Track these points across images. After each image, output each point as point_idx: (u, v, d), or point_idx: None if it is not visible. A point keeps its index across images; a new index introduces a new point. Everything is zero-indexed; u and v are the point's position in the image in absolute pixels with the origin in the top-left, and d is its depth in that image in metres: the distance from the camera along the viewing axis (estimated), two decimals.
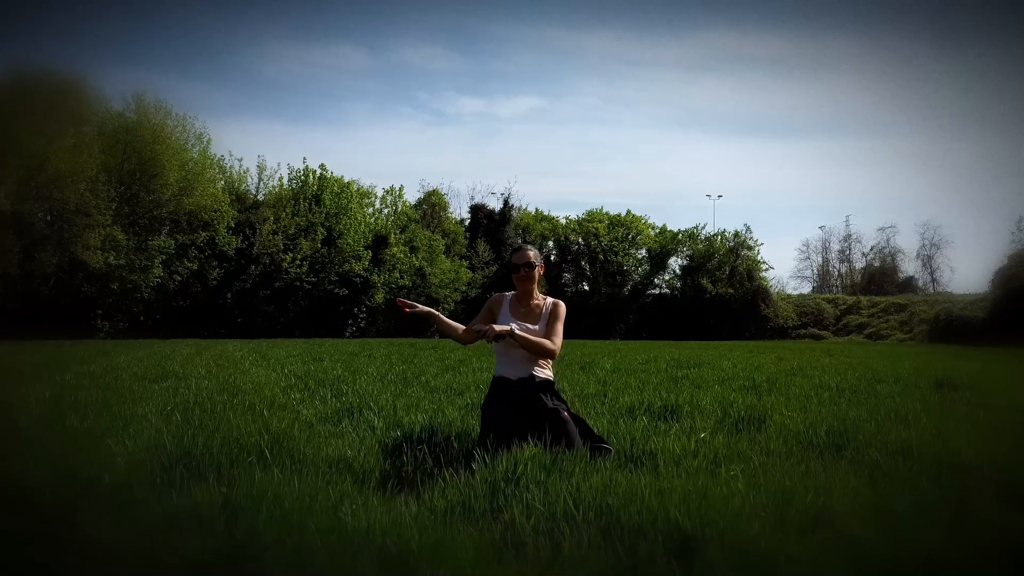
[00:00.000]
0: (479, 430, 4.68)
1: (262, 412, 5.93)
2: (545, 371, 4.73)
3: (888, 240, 70.38)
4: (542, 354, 4.65)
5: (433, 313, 4.84)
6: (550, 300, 4.84)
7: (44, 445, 4.51)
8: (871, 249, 71.33)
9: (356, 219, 40.52)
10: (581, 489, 3.31)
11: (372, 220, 42.99)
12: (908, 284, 64.61)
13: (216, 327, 33.80)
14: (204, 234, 34.37)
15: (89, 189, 30.11)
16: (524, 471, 3.60)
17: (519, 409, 4.50)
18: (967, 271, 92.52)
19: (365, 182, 44.07)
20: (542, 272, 4.88)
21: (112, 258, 30.70)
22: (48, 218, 31.37)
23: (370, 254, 40.52)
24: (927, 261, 68.20)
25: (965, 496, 3.35)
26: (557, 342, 4.64)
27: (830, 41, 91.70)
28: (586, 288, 51.63)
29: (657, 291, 52.84)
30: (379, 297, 40.76)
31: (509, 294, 4.92)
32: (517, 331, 4.53)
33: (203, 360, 13.22)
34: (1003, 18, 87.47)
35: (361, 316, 40.34)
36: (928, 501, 3.28)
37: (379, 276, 40.77)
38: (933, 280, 66.75)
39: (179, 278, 33.77)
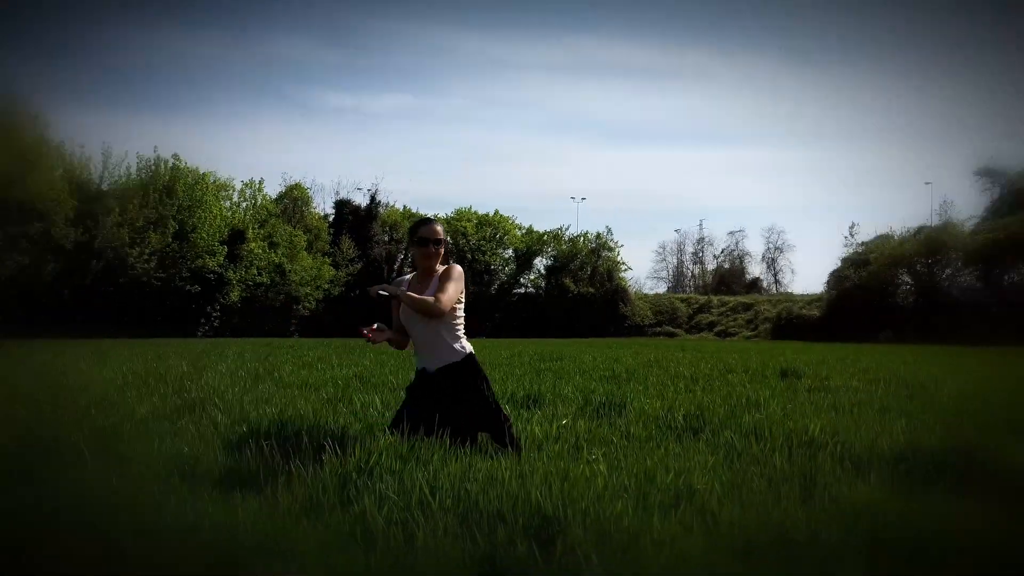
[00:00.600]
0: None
1: (88, 409, 5.35)
2: (456, 345, 4.29)
3: (737, 243, 75.02)
4: (427, 313, 4.22)
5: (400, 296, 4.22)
6: (444, 266, 4.43)
7: None
8: (722, 252, 75.76)
9: (212, 212, 38.40)
10: (439, 477, 3.12)
11: (229, 214, 40.91)
12: (754, 285, 69.09)
13: (51, 327, 30.91)
14: (38, 225, 31.42)
15: None
16: (379, 461, 3.37)
17: (442, 402, 4.12)
18: (806, 273, 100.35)
19: (223, 174, 41.82)
20: (445, 250, 4.44)
21: None
22: None
23: (226, 249, 38.53)
24: (771, 263, 73.26)
25: (813, 470, 3.44)
26: (442, 298, 4.16)
27: (691, 54, 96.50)
28: None
29: (523, 290, 53.67)
30: (235, 295, 38.84)
31: (407, 277, 4.50)
32: (400, 291, 4.15)
33: (33, 361, 11.98)
34: (837, 36, 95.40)
35: (215, 315, 38.27)
36: (781, 476, 3.35)
37: (235, 273, 38.85)
38: (776, 281, 71.76)
39: (7, 273, 30.65)
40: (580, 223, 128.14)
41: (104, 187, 36.13)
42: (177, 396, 6.55)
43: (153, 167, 37.79)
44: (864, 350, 20.93)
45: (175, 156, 38.53)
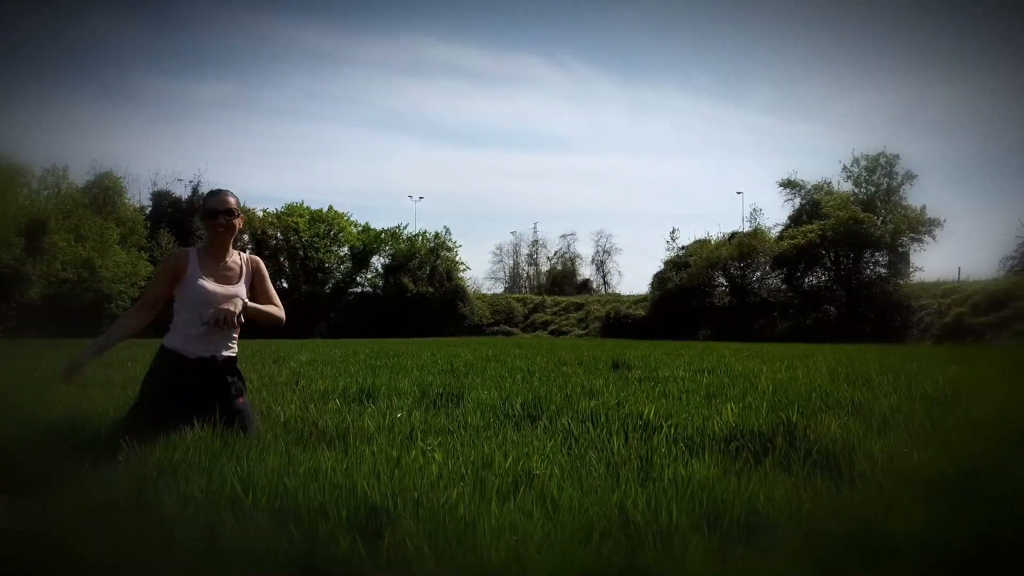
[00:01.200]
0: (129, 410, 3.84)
1: None
2: (234, 347, 3.97)
3: (569, 246, 77.55)
4: (276, 325, 3.97)
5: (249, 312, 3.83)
6: (246, 256, 4.08)
7: None
8: (555, 253, 78.00)
9: (5, 201, 34.33)
10: (254, 472, 2.79)
11: (26, 203, 36.78)
12: (585, 286, 71.76)
13: None
14: None
15: None
16: (185, 457, 2.98)
17: (196, 397, 3.73)
18: (633, 275, 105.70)
19: (19, 159, 37.53)
20: (241, 224, 4.07)
21: None
22: None
23: (23, 242, 34.62)
24: (600, 265, 76.32)
25: (650, 452, 3.43)
26: (281, 308, 4.01)
27: (524, 60, 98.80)
28: (285, 285, 49.46)
29: (360, 289, 52.44)
30: (35, 292, 34.98)
31: (193, 249, 3.99)
32: (248, 304, 3.79)
33: None
34: (661, 57, 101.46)
35: (11, 314, 34.26)
36: (619, 459, 3.30)
37: (35, 267, 35.00)
38: (605, 283, 74.85)
39: None
40: (418, 222, 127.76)
41: None
42: None
43: None
44: (686, 345, 22.19)
45: None
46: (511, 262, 78.97)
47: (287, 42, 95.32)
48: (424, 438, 3.74)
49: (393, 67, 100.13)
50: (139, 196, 48.23)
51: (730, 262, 42.14)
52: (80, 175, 43.60)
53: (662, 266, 46.70)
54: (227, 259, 3.95)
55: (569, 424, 4.31)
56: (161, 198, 47.72)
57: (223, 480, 2.68)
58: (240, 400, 3.91)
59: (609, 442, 3.73)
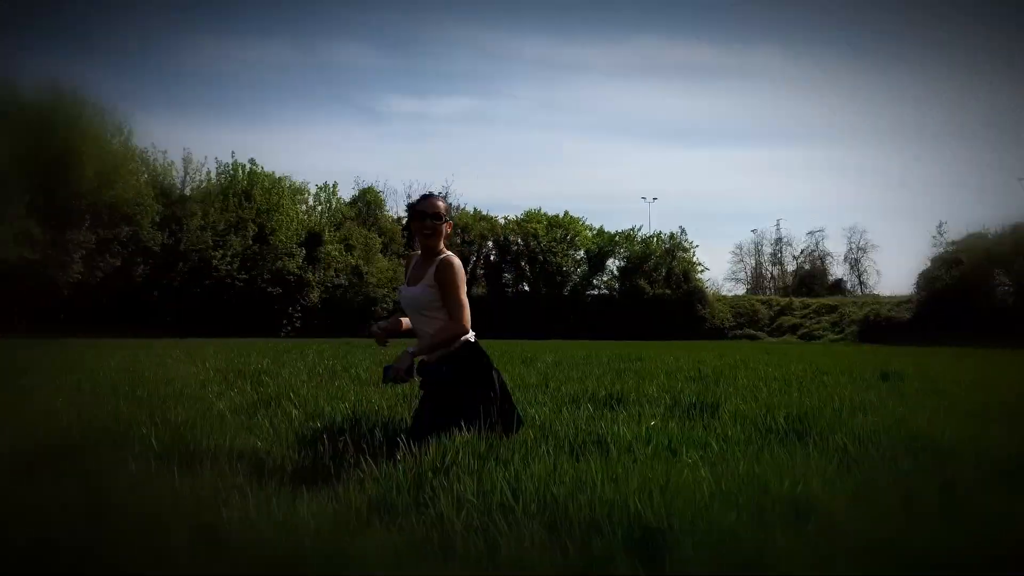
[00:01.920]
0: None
1: (166, 402, 5.27)
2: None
3: (817, 244, 72.30)
4: (453, 341, 3.86)
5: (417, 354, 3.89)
6: (441, 257, 3.93)
7: None
8: (801, 252, 73.16)
9: (289, 216, 39.26)
10: (521, 478, 2.81)
11: (305, 217, 41.75)
12: (837, 286, 66.38)
13: (142, 326, 32.12)
14: (127, 229, 32.71)
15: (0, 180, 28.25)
16: (455, 459, 3.09)
17: (435, 398, 3.89)
18: (892, 274, 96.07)
19: (297, 178, 42.79)
20: (449, 230, 4.06)
21: (27, 252, 28.84)
22: None
23: (304, 252, 39.32)
24: (854, 264, 70.27)
25: (952, 479, 2.98)
26: (459, 316, 3.81)
27: (760, 52, 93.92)
28: (526, 288, 51.38)
29: (596, 292, 52.93)
30: (314, 296, 39.55)
31: (418, 253, 4.10)
32: (411, 350, 3.75)
33: (118, 356, 12.27)
34: (924, 33, 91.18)
35: (296, 316, 39.06)
36: (916, 487, 2.90)
37: (314, 274, 39.58)
38: (860, 283, 68.80)
39: (100, 274, 31.99)
40: (652, 223, 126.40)
41: (186, 192, 37.33)
42: (254, 391, 6.47)
43: (231, 172, 38.91)
44: (965, 352, 19.64)
45: (251, 161, 39.60)
46: (752, 262, 75.39)
47: (519, 55, 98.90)
48: (684, 450, 3.58)
49: (623, 71, 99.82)
50: (396, 207, 52.71)
51: (1015, 258, 36.68)
52: (346, 190, 48.78)
53: (928, 264, 41.89)
54: (433, 259, 3.95)
55: (844, 443, 3.90)
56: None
57: (493, 485, 2.73)
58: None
59: (896, 465, 3.32)
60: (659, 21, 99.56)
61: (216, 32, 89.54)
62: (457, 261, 3.91)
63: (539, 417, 4.56)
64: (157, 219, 33.81)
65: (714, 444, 3.76)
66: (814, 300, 52.98)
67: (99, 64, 71.41)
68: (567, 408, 5.03)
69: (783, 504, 2.53)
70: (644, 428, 4.19)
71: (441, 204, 4.00)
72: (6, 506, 2.64)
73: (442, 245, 4.01)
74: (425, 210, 3.94)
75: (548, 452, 3.32)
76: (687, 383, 7.33)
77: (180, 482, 2.86)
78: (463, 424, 3.61)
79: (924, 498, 2.75)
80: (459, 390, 3.80)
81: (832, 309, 48.84)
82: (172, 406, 5.08)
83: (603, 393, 5.94)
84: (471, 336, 3.96)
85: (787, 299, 54.62)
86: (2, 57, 41.85)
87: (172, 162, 37.50)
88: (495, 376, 3.93)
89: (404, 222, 50.41)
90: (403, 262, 3.79)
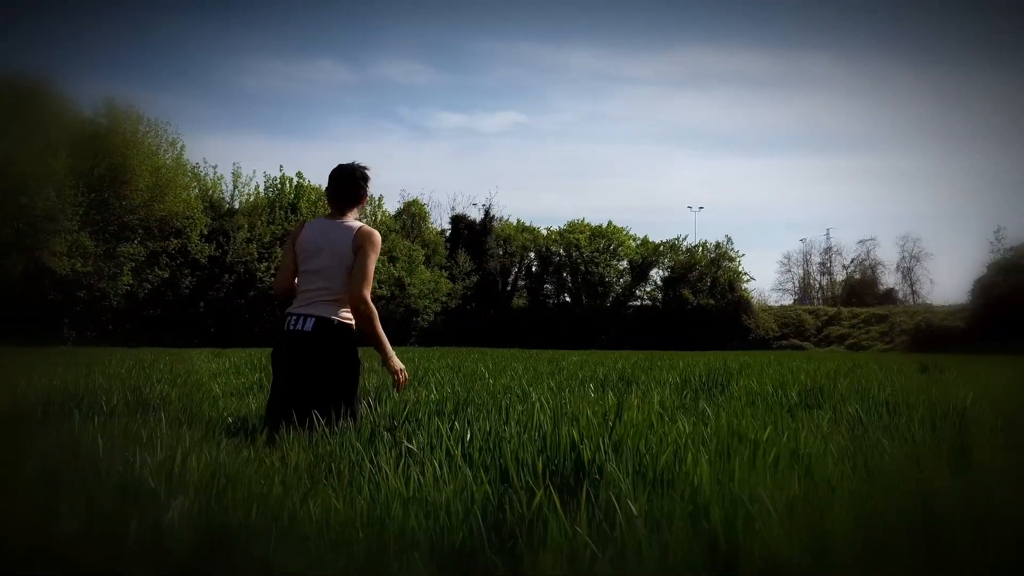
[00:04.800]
0: None
1: (175, 381, 5.33)
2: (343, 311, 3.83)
3: (868, 252, 70.40)
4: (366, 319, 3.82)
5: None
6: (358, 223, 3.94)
7: None
8: (851, 261, 71.34)
9: None
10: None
11: None
12: (888, 296, 64.45)
13: (189, 336, 32.85)
14: (176, 241, 33.56)
15: (56, 194, 29.26)
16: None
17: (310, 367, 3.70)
18: (946, 283, 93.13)
19: None
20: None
21: (79, 265, 29.78)
22: (15, 224, 30.43)
23: None
24: (907, 273, 68.22)
25: (967, 443, 2.78)
26: (361, 284, 3.74)
27: (808, 59, 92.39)
28: (568, 300, 51.13)
29: (639, 302, 52.37)
30: None
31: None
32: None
33: (160, 357, 12.54)
34: (976, 35, 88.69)
35: None
36: (922, 451, 2.72)
37: None
38: (913, 292, 66.74)
39: (149, 286, 32.86)
40: (698, 233, 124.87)
41: (235, 205, 38.17)
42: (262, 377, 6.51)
43: (279, 185, 39.65)
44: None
45: (299, 174, 40.30)
46: (800, 272, 73.82)
47: (563, 68, 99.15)
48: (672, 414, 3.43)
49: (668, 81, 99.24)
50: (440, 220, 53.05)
51: None
52: (391, 203, 49.31)
53: (985, 271, 40.39)
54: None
55: (858, 411, 3.71)
56: (458, 221, 51.98)
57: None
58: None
59: (908, 430, 3.12)
60: (705, 30, 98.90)
61: (268, 51, 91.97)
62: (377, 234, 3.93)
63: (534, 393, 4.46)
64: (205, 232, 34.60)
65: (709, 410, 3.60)
66: (863, 310, 51.54)
67: (155, 82, 73.89)
68: (570, 388, 4.91)
69: (750, 445, 2.36)
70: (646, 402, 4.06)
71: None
72: None
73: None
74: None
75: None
76: (704, 368, 7.13)
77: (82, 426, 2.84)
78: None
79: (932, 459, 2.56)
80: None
81: (882, 319, 47.43)
82: (155, 381, 5.11)
83: (614, 377, 5.80)
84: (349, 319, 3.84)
85: (835, 309, 53.25)
86: (62, 74, 43.50)
87: (221, 175, 38.47)
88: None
89: (447, 234, 50.79)
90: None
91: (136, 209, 32.07)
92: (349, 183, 3.81)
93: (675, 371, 7.09)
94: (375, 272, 4.03)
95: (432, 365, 9.04)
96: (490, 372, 7.24)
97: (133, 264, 31.74)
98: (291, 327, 3.64)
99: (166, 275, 33.17)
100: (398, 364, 3.64)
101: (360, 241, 3.65)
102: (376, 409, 3.55)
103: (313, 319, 3.56)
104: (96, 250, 30.52)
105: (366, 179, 3.86)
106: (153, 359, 11.58)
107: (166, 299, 33.67)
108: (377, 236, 3.81)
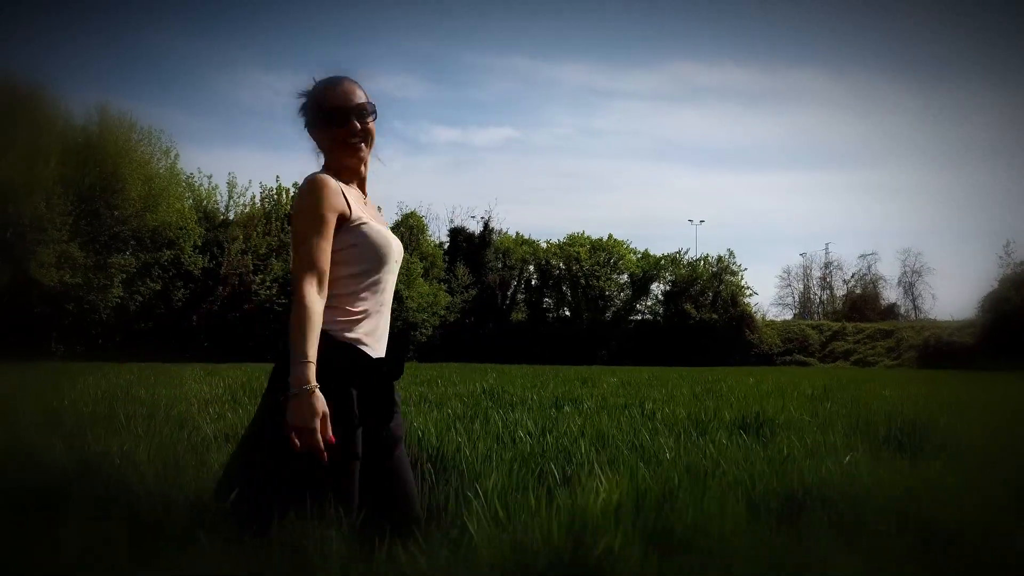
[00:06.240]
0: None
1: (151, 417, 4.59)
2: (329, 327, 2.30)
3: (869, 267, 69.75)
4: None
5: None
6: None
7: None
8: (852, 276, 70.69)
9: None
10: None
11: None
12: (890, 311, 63.79)
13: (181, 350, 32.00)
14: (169, 252, 32.81)
15: (45, 203, 28.51)
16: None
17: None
18: (948, 298, 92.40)
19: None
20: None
21: (68, 276, 28.99)
22: (2, 234, 29.67)
23: None
24: (908, 288, 67.53)
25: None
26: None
27: (807, 72, 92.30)
28: (568, 313, 50.41)
29: (640, 316, 51.65)
30: None
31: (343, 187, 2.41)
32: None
33: (144, 376, 11.80)
34: (978, 47, 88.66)
35: None
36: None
37: None
38: (915, 307, 66.02)
39: (140, 299, 32.05)
40: (700, 247, 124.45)
41: (230, 216, 37.47)
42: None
43: (275, 196, 39.00)
44: None
45: (295, 185, 39.63)
46: (800, 286, 73.13)
47: (558, 83, 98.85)
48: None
49: (662, 96, 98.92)
50: (438, 232, 52.37)
51: None
52: (390, 216, 48.64)
53: (995, 285, 39.71)
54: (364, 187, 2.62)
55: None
56: (457, 234, 51.31)
57: None
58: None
59: None
60: (700, 45, 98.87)
61: (261, 63, 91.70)
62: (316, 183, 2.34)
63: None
64: (199, 243, 33.87)
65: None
66: (868, 325, 50.85)
67: (148, 92, 73.46)
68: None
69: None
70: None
71: (361, 90, 2.51)
72: None
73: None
74: (346, 104, 2.45)
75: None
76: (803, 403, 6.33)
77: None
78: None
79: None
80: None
81: (888, 334, 46.76)
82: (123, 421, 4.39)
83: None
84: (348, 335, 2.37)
85: (839, 324, 52.55)
86: (53, 80, 42.83)
87: (216, 185, 37.77)
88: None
89: (446, 247, 50.09)
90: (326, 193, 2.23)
91: (128, 219, 31.34)
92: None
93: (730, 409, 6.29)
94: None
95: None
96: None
97: (124, 276, 30.96)
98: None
99: (158, 287, 32.40)
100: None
101: None
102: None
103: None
104: (86, 261, 29.74)
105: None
106: (136, 378, 10.85)
107: (158, 312, 32.86)
108: None
